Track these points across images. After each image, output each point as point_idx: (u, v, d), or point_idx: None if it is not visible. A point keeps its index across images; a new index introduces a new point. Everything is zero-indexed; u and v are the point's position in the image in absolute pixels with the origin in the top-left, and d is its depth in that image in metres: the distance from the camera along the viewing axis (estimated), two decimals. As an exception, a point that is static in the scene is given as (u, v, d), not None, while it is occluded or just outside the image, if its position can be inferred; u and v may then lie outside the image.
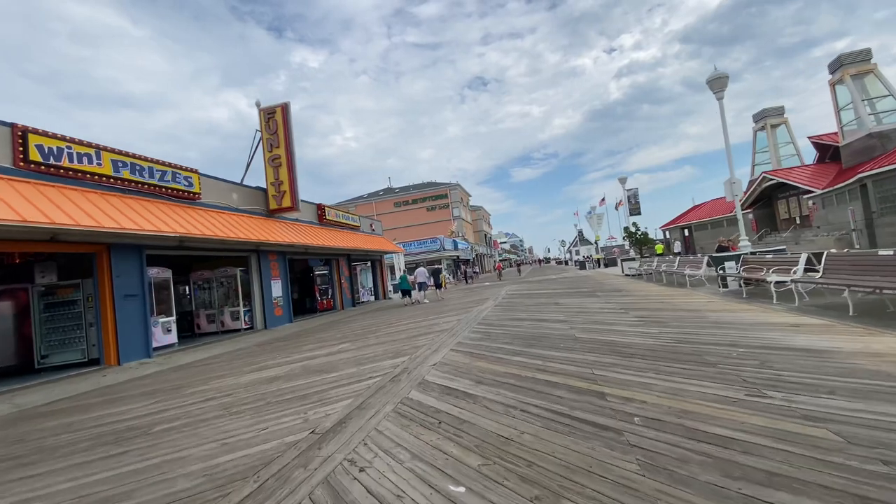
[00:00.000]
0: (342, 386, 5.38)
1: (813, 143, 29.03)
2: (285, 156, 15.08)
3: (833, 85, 25.04)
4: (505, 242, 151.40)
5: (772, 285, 7.77)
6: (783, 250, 10.80)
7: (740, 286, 10.29)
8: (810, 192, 24.75)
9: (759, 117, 33.44)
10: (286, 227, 15.45)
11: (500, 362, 5.55)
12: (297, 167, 15.24)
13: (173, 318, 11.91)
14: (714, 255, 13.00)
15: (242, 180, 15.63)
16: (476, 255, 66.15)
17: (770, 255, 9.11)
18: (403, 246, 42.57)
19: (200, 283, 15.03)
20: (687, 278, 12.23)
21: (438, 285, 21.50)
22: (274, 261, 15.34)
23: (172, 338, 11.79)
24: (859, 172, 17.62)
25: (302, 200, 17.82)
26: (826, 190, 22.96)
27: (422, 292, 18.61)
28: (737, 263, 10.39)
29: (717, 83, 11.43)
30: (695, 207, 47.00)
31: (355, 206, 60.05)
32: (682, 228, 44.79)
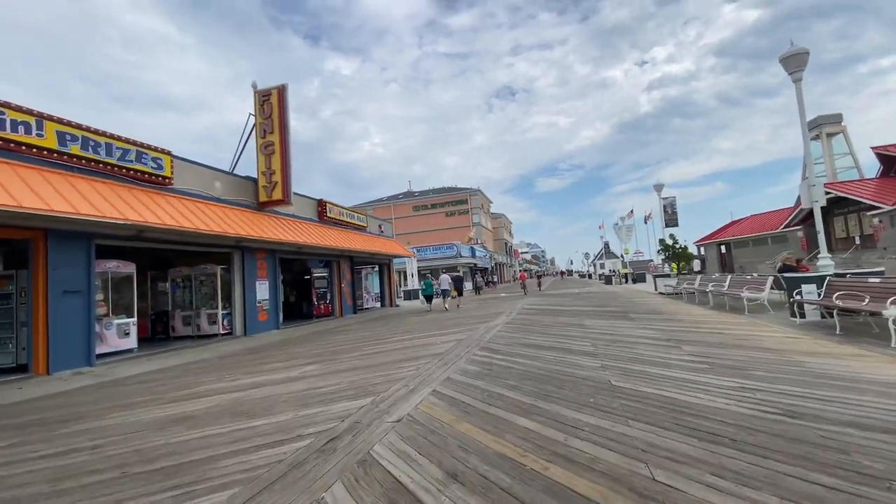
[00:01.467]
0: (241, 454, 3.48)
1: (877, 153, 25.80)
2: (279, 143, 13.50)
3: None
4: (526, 252, 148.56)
5: (890, 322, 5.50)
6: (881, 272, 8.43)
7: (824, 316, 7.97)
8: (877, 207, 21.68)
9: (813, 125, 30.26)
10: (277, 223, 13.83)
11: (497, 427, 3.56)
12: (291, 156, 13.63)
13: (133, 319, 10.35)
14: (783, 275, 10.64)
15: (233, 168, 14.14)
16: (495, 264, 63.88)
17: (877, 279, 6.81)
18: (417, 251, 40.91)
19: (179, 280, 13.54)
20: (745, 302, 9.91)
21: (460, 293, 21.11)
22: (262, 259, 13.73)
23: (130, 342, 10.22)
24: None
25: (301, 195, 16.27)
26: (898, 206, 19.94)
27: (446, 299, 18.41)
28: (818, 287, 8.06)
29: (795, 60, 9.18)
30: (733, 223, 43.54)
31: (373, 209, 58.82)
32: (719, 245, 41.42)
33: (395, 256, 23.88)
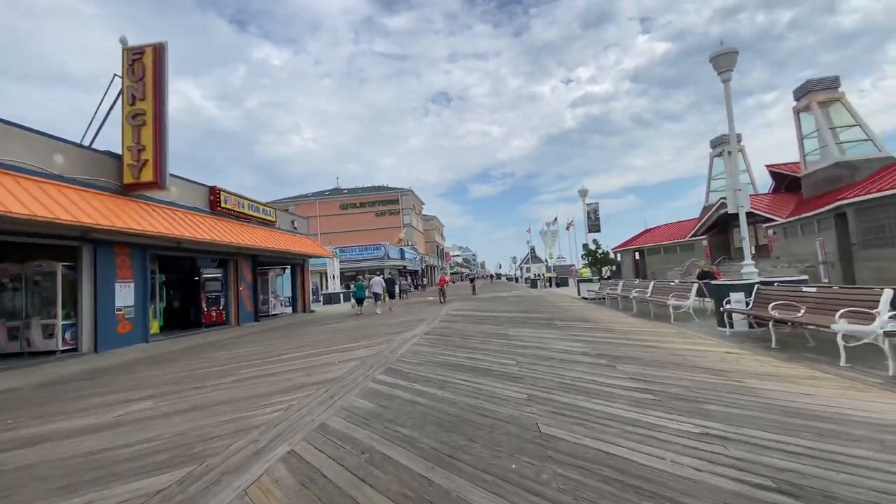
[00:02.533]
0: None
1: (771, 171, 28.51)
2: (152, 113, 10.92)
3: (797, 112, 24.33)
4: (458, 255, 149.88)
5: (839, 337, 4.91)
6: (804, 281, 8.32)
7: (752, 326, 7.57)
8: (771, 220, 23.68)
9: (717, 143, 32.92)
10: (148, 211, 11.21)
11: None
12: (168, 130, 11.11)
13: None
14: (706, 282, 10.41)
15: (92, 142, 11.28)
16: (426, 267, 62.77)
17: (812, 288, 6.40)
18: (342, 252, 38.43)
19: (6, 281, 10.42)
20: (671, 310, 9.46)
21: (392, 295, 20.21)
22: (124, 256, 11.02)
23: None
24: (838, 200, 16.18)
25: (185, 179, 13.62)
26: (790, 219, 21.82)
27: (377, 302, 18.07)
28: (746, 295, 7.66)
29: (725, 60, 8.88)
30: (647, 231, 46.49)
31: (295, 205, 54.86)
32: (634, 252, 43.91)
33: (312, 256, 21.57)
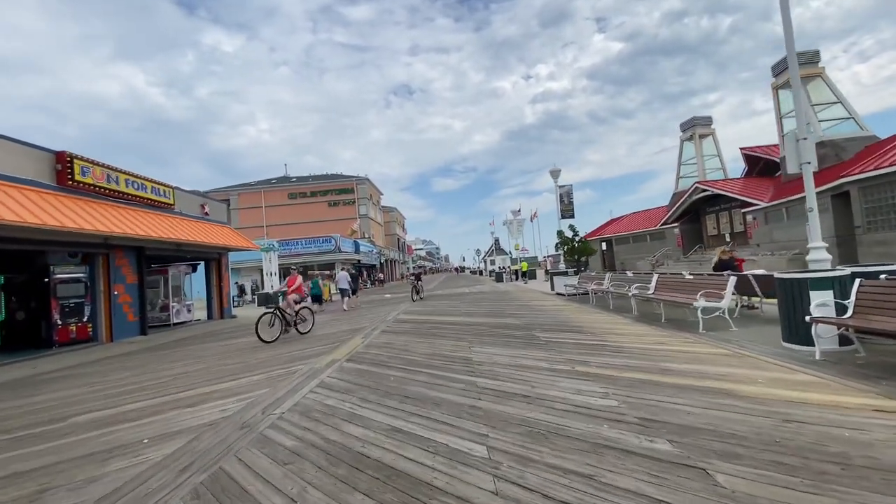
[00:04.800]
0: None
1: (745, 154, 27.10)
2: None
3: (776, 89, 22.72)
4: (421, 249, 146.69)
5: None
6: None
7: (846, 343, 4.85)
8: (751, 204, 22.01)
9: (688, 126, 31.35)
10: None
11: None
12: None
13: None
14: (753, 276, 7.73)
15: None
16: (385, 261, 59.04)
17: None
18: (285, 245, 34.21)
19: None
20: (700, 315, 6.69)
21: (355, 291, 18.76)
22: None
23: None
24: (842, 177, 14.27)
25: (9, 138, 9.54)
26: (774, 203, 20.09)
27: (344, 298, 16.93)
28: (839, 295, 4.92)
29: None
30: (613, 221, 45.08)
31: (237, 195, 49.63)
32: (601, 241, 42.31)
33: (231, 249, 17.63)
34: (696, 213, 29.22)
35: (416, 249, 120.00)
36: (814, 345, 4.93)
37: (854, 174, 14.13)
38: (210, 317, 17.09)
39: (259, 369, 6.52)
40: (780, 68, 22.48)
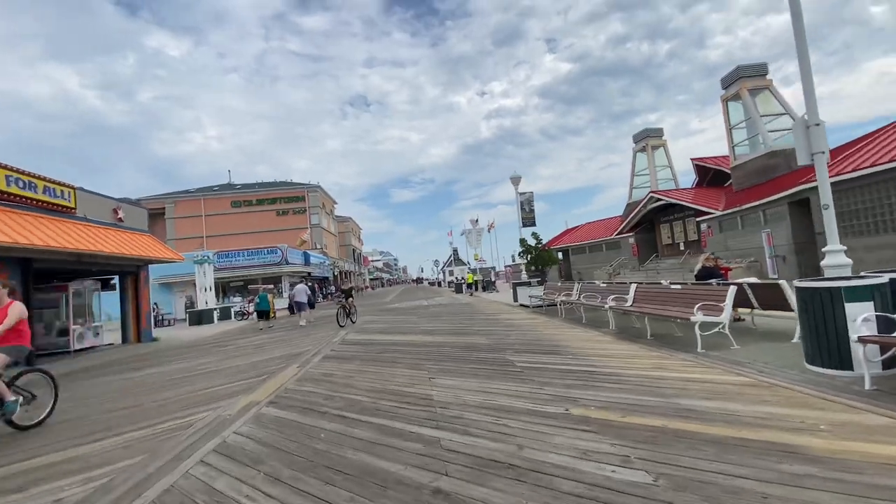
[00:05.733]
0: None
1: (696, 164, 27.81)
2: None
3: (726, 101, 23.36)
4: (378, 260, 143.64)
5: None
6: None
7: (890, 366, 3.97)
8: (705, 213, 22.31)
9: (641, 137, 31.99)
10: None
11: None
12: None
13: None
14: (748, 285, 6.91)
15: None
16: (339, 272, 56.43)
17: None
18: (223, 257, 31.37)
19: None
20: (697, 332, 5.74)
21: (312, 305, 17.77)
22: None
23: None
24: (801, 184, 14.36)
25: None
26: (728, 211, 20.36)
27: (301, 313, 15.89)
28: (880, 306, 4.04)
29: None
30: (569, 230, 45.44)
31: (174, 203, 45.63)
32: (558, 251, 42.39)
33: (152, 261, 15.24)
34: (651, 222, 29.65)
35: (372, 261, 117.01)
36: (852, 368, 4.03)
37: (814, 180, 14.33)
38: (125, 340, 14.58)
39: (147, 419, 4.83)
40: (728, 80, 23.16)
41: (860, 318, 3.86)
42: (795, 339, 5.37)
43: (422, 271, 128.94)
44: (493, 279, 41.63)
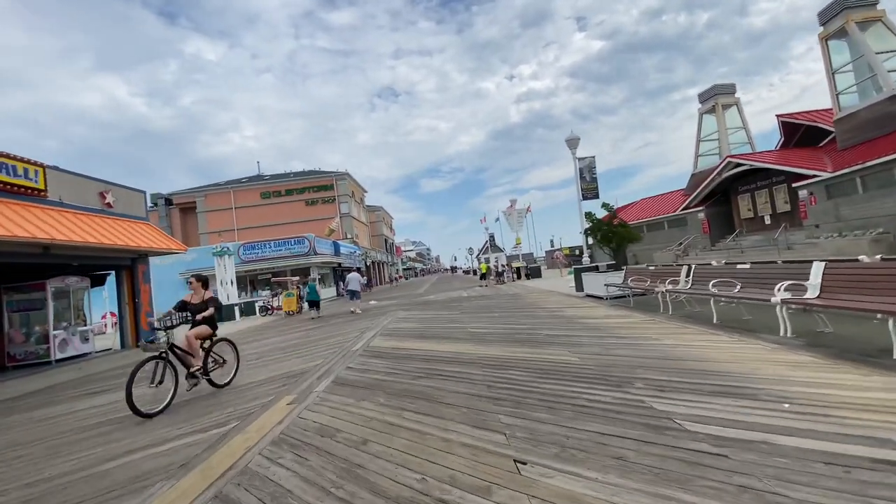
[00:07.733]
0: None
1: (782, 122, 23.27)
2: None
3: (825, 39, 18.92)
4: (411, 250, 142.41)
5: None
6: None
7: None
8: (806, 177, 18.14)
9: (709, 96, 27.55)
10: None
11: None
12: None
13: None
14: None
15: None
16: (372, 263, 54.62)
17: None
18: (248, 249, 29.78)
19: None
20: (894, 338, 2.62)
21: (357, 295, 16.83)
22: None
23: None
24: None
25: None
26: (841, 172, 16.23)
27: (356, 301, 16.09)
28: None
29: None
30: (620, 209, 41.13)
31: (204, 196, 44.90)
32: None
33: (151, 253, 13.20)
34: (725, 193, 25.37)
35: (405, 251, 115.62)
36: None
37: None
38: (124, 345, 12.66)
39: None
40: (829, 14, 18.65)
41: None
42: None
43: (455, 260, 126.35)
44: (542, 264, 38.19)
